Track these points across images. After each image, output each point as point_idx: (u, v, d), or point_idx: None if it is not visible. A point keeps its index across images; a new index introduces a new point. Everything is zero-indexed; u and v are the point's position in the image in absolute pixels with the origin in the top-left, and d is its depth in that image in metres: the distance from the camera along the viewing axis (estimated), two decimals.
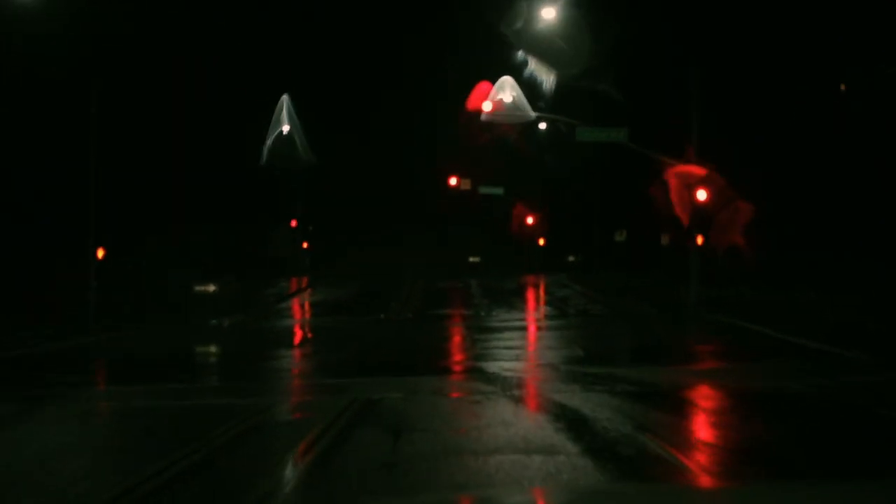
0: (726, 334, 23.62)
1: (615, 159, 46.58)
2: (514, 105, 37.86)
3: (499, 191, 63.12)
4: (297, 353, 21.25)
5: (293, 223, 64.05)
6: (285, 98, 54.71)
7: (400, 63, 62.66)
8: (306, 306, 37.51)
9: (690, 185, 30.74)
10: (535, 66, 38.53)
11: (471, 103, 32.93)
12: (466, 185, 62.78)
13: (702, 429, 11.09)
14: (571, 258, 57.89)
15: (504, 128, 36.76)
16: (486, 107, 33.09)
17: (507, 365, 17.71)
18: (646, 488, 5.73)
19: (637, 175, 44.24)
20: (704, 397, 13.51)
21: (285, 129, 61.05)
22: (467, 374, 16.52)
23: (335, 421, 11.03)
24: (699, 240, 31.44)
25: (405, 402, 12.56)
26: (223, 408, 12.69)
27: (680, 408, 12.47)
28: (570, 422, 10.66)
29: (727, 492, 4.90)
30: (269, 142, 56.51)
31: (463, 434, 9.97)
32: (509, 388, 14.16)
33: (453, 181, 62.24)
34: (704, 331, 24.90)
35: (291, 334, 26.21)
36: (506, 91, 41.93)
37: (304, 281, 51.23)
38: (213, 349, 22.91)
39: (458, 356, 20.33)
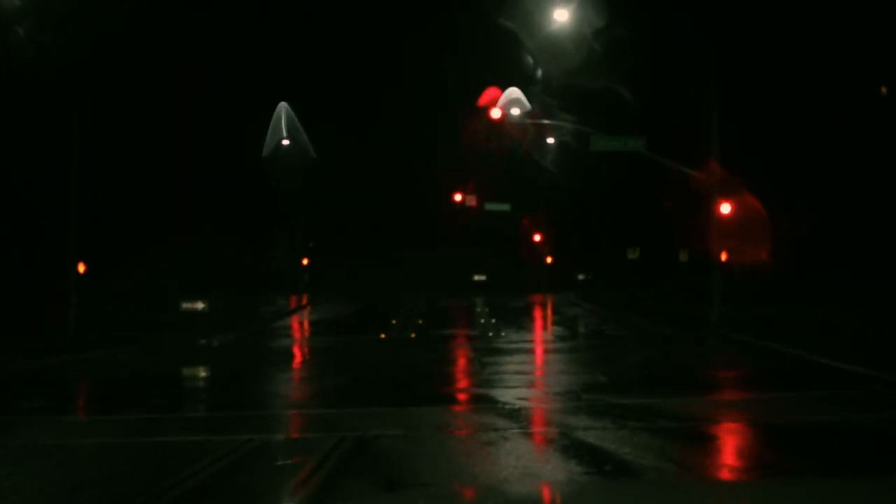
0: (757, 357, 21.56)
1: (628, 171, 44.66)
2: (520, 117, 36.07)
3: (505, 207, 61.41)
4: (286, 377, 19.15)
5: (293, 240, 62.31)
6: (283, 105, 53.06)
7: (400, 67, 60.93)
8: (303, 325, 35.44)
9: (714, 198, 28.75)
10: (542, 66, 36.58)
11: (480, 106, 31.00)
12: (472, 201, 61.04)
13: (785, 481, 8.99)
14: (581, 276, 55.79)
15: (514, 134, 34.78)
16: (495, 113, 31.13)
17: (521, 393, 15.65)
18: None
19: (651, 188, 42.29)
20: (763, 437, 11.41)
21: (285, 142, 59.33)
22: (476, 404, 14.45)
23: (317, 469, 8.97)
24: (723, 256, 29.42)
25: (404, 441, 10.51)
26: (191, 447, 10.68)
27: (735, 450, 10.39)
28: (610, 473, 8.59)
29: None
30: (267, 151, 54.83)
31: (475, 494, 7.88)
32: (527, 423, 12.11)
33: (458, 197, 60.49)
34: (732, 353, 22.81)
35: (284, 355, 24.08)
36: (513, 104, 40.16)
37: (303, 298, 49.23)
38: (196, 372, 20.82)
39: (464, 382, 18.24)
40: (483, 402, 14.44)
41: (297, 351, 25.17)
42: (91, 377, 20.02)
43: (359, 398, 15.24)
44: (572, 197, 59.44)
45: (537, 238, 63.84)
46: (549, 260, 63.63)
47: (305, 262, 63.67)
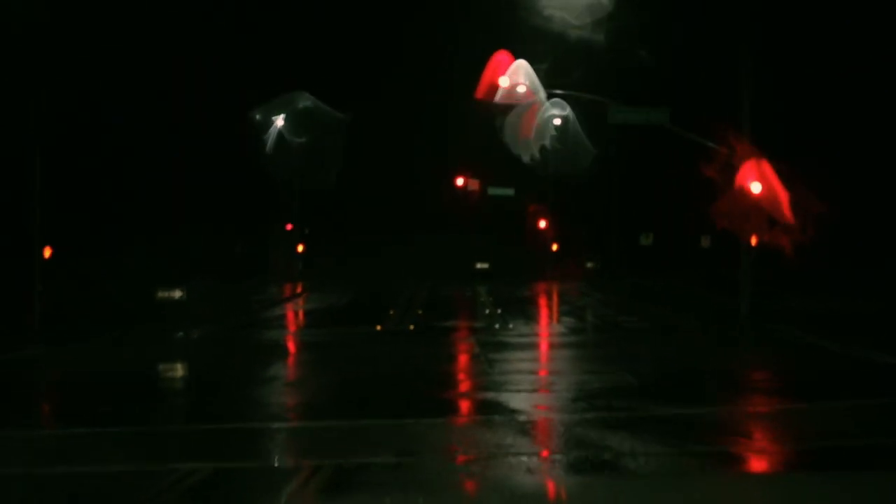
0: (800, 354, 19.03)
1: (640, 152, 42.00)
2: (527, 92, 33.34)
3: (509, 192, 58.93)
4: (264, 378, 16.43)
5: (288, 226, 59.87)
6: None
7: (400, 48, 58.07)
8: (294, 315, 32.79)
9: (743, 176, 26.07)
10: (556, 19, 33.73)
11: (487, 77, 28.10)
12: (474, 185, 58.55)
13: None
14: (589, 264, 53.08)
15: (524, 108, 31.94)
16: (504, 82, 28.30)
17: (538, 399, 13.05)
18: None
19: (666, 168, 39.63)
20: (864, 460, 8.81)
21: (279, 121, 56.66)
22: (487, 415, 11.84)
23: None
24: (753, 240, 26.76)
25: (395, 475, 7.90)
26: (111, 482, 8.07)
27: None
28: None
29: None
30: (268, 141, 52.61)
31: None
32: (556, 443, 9.50)
33: (460, 181, 57.87)
34: (773, 349, 20.19)
35: (266, 351, 21.32)
36: (519, 78, 37.35)
37: (297, 287, 46.65)
38: (163, 371, 18.06)
39: (470, 384, 15.60)
40: (495, 412, 11.85)
41: (281, 346, 22.41)
42: (46, 377, 17.40)
43: (346, 406, 12.66)
44: (580, 180, 56.83)
45: (542, 224, 61.20)
46: (554, 247, 61.01)
47: (301, 248, 61.16)
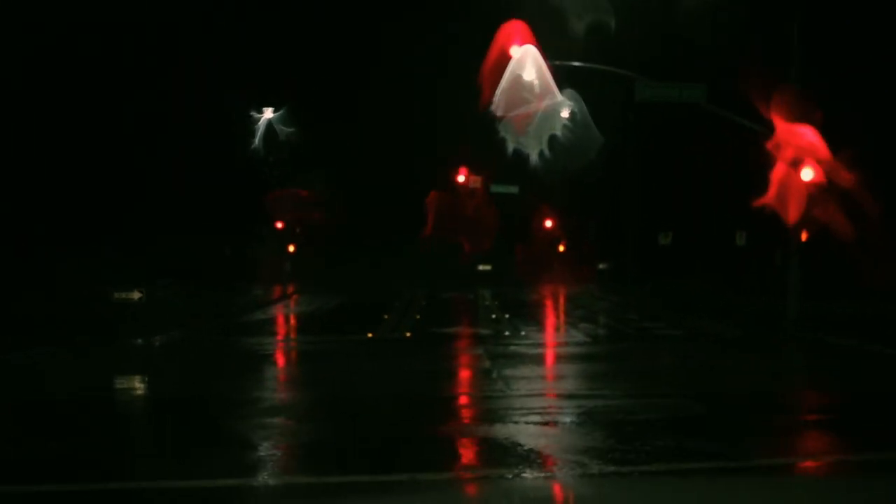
0: (878, 369, 15.48)
1: (658, 140, 38.41)
2: (534, 85, 29.74)
3: (513, 190, 55.66)
4: (210, 407, 12.58)
5: (279, 224, 56.63)
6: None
7: (397, 39, 54.70)
8: (275, 320, 29.09)
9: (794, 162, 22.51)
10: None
11: (497, 46, 24.42)
12: (476, 182, 55.19)
13: None
14: (602, 266, 49.50)
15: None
16: (515, 52, 24.62)
17: (583, 441, 9.39)
18: None
19: (692, 158, 36.04)
20: None
21: (268, 113, 53.34)
22: (512, 470, 8.19)
23: None
24: (803, 236, 23.24)
25: None
26: None
27: None
28: None
29: None
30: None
31: None
32: None
33: (461, 178, 54.39)
34: (844, 365, 16.59)
35: (228, 365, 17.41)
36: (526, 67, 33.75)
37: (285, 289, 43.17)
38: (104, 393, 14.20)
39: (480, 415, 11.90)
40: (524, 465, 8.25)
41: (245, 359, 18.42)
42: None
43: (308, 461, 9.05)
44: (589, 177, 53.28)
45: (549, 224, 57.80)
46: (561, 248, 57.59)
47: (292, 248, 57.81)
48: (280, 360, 18.84)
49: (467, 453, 9.50)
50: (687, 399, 11.95)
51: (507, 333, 22.21)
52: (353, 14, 59.21)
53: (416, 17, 53.40)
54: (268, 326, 26.56)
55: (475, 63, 25.62)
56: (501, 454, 8.86)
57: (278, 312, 31.89)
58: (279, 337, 23.97)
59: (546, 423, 10.46)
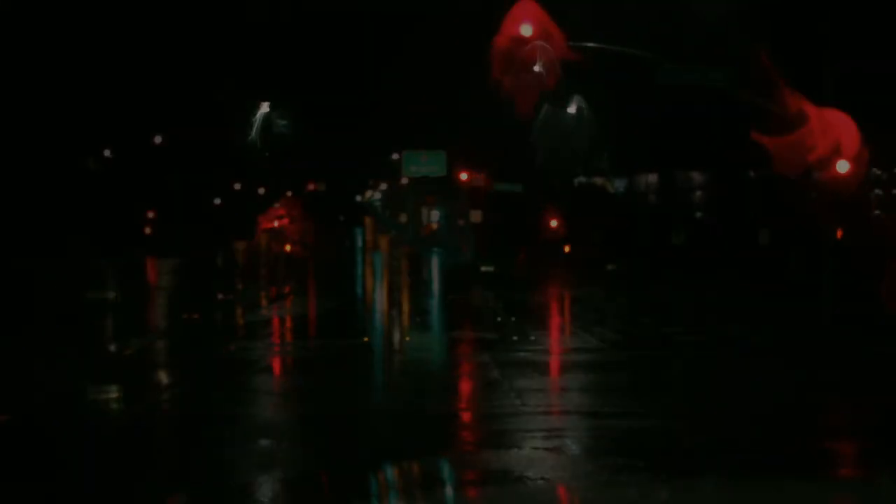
0: None
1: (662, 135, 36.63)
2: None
3: (517, 188, 54.30)
4: (177, 429, 10.68)
5: (276, 223, 55.51)
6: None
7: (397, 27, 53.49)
8: (263, 323, 27.22)
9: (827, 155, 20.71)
10: None
11: (508, 26, 22.63)
12: (479, 181, 53.76)
13: None
14: (610, 266, 47.76)
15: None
16: (526, 31, 22.78)
17: (626, 480, 7.49)
18: None
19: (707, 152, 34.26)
20: None
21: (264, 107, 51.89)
22: None
23: None
24: (838, 233, 21.46)
25: None
26: None
27: None
28: None
29: None
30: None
31: None
32: None
33: (464, 177, 52.81)
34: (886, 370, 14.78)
35: (204, 375, 15.56)
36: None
37: (280, 289, 41.43)
38: (63, 416, 12.23)
39: (492, 441, 10.02)
40: None
41: (227, 367, 16.43)
42: None
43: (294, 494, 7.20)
44: (594, 175, 51.82)
45: (553, 224, 56.15)
46: (566, 249, 55.87)
47: (288, 248, 56.46)
48: (248, 369, 16.71)
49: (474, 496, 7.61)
50: (737, 419, 10.09)
51: (514, 338, 20.37)
52: (353, 14, 58.29)
53: (417, 16, 52.20)
54: (251, 330, 24.58)
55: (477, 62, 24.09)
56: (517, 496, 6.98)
57: (269, 314, 30.02)
58: (259, 342, 22.02)
59: (573, 451, 8.60)
